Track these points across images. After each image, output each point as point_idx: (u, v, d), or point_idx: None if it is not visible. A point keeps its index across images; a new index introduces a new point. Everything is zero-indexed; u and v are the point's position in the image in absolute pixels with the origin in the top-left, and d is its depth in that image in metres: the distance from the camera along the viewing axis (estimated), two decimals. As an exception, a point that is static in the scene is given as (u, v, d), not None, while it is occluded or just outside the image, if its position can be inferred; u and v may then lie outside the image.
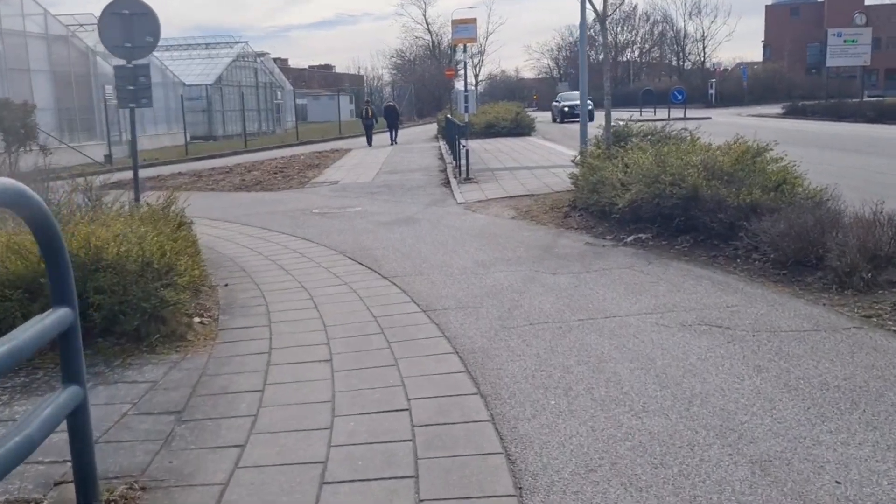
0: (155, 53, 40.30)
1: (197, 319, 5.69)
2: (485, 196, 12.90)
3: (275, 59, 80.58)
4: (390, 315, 5.76)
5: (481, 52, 74.47)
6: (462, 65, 20.34)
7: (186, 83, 42.81)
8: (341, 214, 12.00)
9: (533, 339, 4.96)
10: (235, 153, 29.10)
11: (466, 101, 14.87)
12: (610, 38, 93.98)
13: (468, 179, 15.07)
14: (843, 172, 12.84)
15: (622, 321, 5.29)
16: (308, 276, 7.45)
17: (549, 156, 19.46)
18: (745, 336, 4.84)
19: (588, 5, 10.87)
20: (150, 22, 8.84)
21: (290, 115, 58.23)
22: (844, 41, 43.53)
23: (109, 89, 32.34)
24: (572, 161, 11.97)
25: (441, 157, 21.73)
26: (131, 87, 9.32)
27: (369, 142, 30.25)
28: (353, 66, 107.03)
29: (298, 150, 28.65)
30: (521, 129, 29.43)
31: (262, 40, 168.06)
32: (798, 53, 71.09)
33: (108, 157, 27.66)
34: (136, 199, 9.40)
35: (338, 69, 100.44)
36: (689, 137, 10.24)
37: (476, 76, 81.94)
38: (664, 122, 11.45)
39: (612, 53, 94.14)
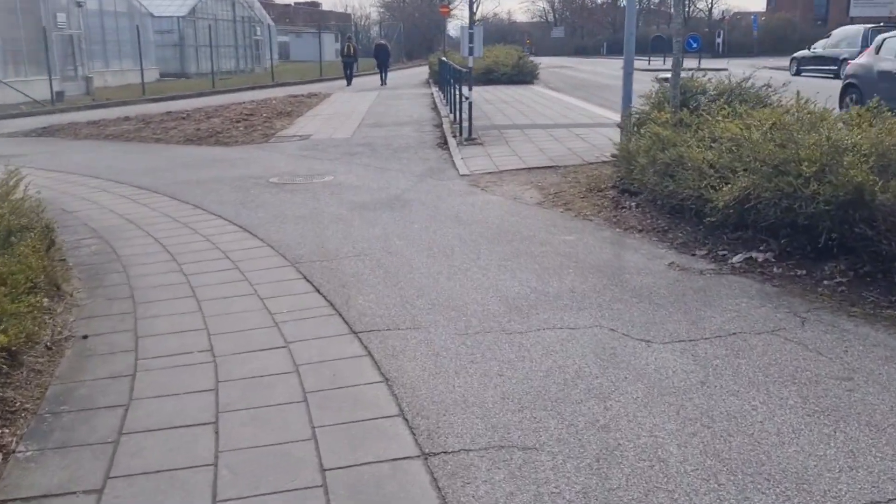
0: (120, -20, 36.63)
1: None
2: (495, 166, 9.89)
3: (259, -6, 75.88)
4: (357, 466, 2.84)
5: None
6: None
7: (155, 14, 38.95)
8: (306, 187, 8.98)
9: None
10: (201, 94, 25.72)
11: (472, 41, 11.74)
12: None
13: (471, 140, 12.02)
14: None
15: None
16: (229, 321, 4.49)
17: (564, 111, 16.36)
18: None
19: None
20: None
21: (272, 53, 54.47)
22: (870, -10, 40.24)
23: (62, 17, 28.76)
24: (618, 125, 8.96)
25: (434, 108, 18.59)
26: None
27: (349, 82, 29.48)
28: (340, 4, 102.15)
29: (272, 93, 25.29)
30: (523, 76, 26.17)
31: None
32: (805, 4, 67.35)
33: (59, 95, 24.28)
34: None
35: (324, 7, 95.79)
36: (793, 100, 7.23)
37: (473, 15, 77.76)
38: (745, 76, 8.48)
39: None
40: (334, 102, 21.14)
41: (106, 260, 5.98)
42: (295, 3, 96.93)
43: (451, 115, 15.19)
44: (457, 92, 16.11)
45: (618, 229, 6.52)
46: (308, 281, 5.25)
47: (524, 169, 9.62)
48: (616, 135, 12.00)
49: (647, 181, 6.91)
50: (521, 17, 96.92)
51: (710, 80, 8.77)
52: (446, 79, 20.70)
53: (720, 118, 6.68)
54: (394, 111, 18.31)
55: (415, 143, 12.65)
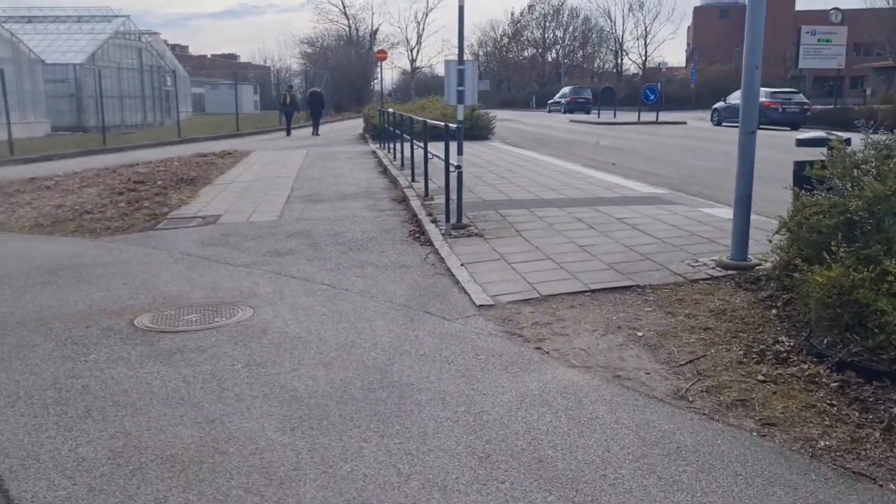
0: (4, 25, 31.64)
1: None
2: (528, 284, 5.88)
3: (173, 46, 71.47)
4: None
5: (419, 34, 70.82)
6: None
7: (48, 62, 33.97)
8: (199, 343, 4.75)
9: None
10: (88, 153, 21.04)
11: (462, 83, 7.83)
12: (538, 33, 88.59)
13: (461, 227, 8.03)
14: None
15: None
16: None
17: (560, 177, 12.57)
18: None
19: None
20: None
21: (185, 105, 49.92)
22: (818, 40, 38.67)
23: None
24: (784, 226, 5.04)
25: (384, 171, 14.56)
26: None
27: (288, 132, 28.70)
28: (259, 56, 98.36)
29: (177, 151, 20.84)
30: (478, 130, 22.66)
31: (162, 27, 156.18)
32: (725, 57, 66.78)
33: None
34: None
35: (243, 59, 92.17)
36: None
37: (413, 62, 75.24)
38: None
39: (541, 50, 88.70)
40: (254, 164, 16.87)
41: None
42: (212, 55, 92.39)
43: (414, 185, 11.22)
44: (407, 149, 12.19)
45: None
46: None
47: (584, 292, 5.62)
48: (673, 218, 8.16)
49: None
50: (442, 69, 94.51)
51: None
52: (393, 134, 16.82)
53: None
54: (332, 176, 14.20)
55: (375, 231, 8.55)
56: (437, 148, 9.72)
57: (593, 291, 5.63)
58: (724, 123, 31.82)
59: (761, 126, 33.98)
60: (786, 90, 32.03)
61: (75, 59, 36.15)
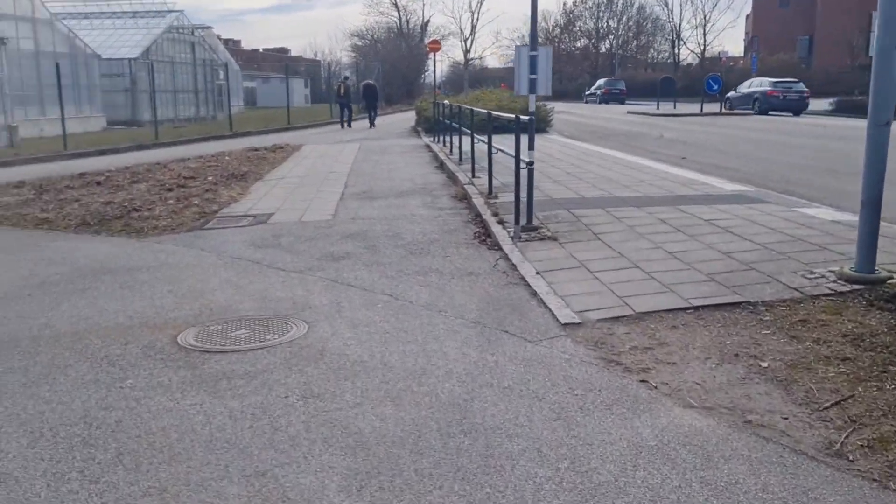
0: (62, 21, 31.88)
1: None
2: (617, 297, 5.15)
3: (226, 40, 72.04)
4: None
5: (473, 25, 70.76)
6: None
7: (103, 56, 34.13)
8: (249, 368, 4.16)
9: None
10: (140, 147, 20.87)
11: (534, 71, 7.15)
12: (591, 24, 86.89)
13: (532, 229, 7.33)
14: None
15: None
16: None
17: (631, 173, 11.73)
18: None
19: None
20: None
21: (238, 99, 50.12)
22: (891, 26, 36.67)
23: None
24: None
25: (441, 166, 13.91)
26: None
27: (344, 124, 28.79)
28: (309, 50, 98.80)
29: (229, 145, 20.54)
30: (537, 123, 21.75)
31: (215, 22, 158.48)
32: (787, 46, 64.34)
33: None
34: None
35: (294, 52, 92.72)
36: None
37: (466, 52, 74.67)
38: None
39: (594, 41, 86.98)
40: (305, 158, 16.38)
41: None
42: (263, 50, 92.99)
43: (475, 181, 10.56)
44: (465, 143, 11.51)
45: None
46: None
47: (685, 309, 4.86)
48: (769, 220, 7.25)
49: None
50: (491, 62, 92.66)
51: None
52: (447, 127, 16.19)
53: None
54: (386, 171, 13.60)
55: (437, 232, 7.89)
56: (498, 142, 9.06)
57: (696, 308, 4.87)
58: (736, 110, 34.07)
59: (770, 111, 33.31)
60: (787, 80, 34.15)
61: (130, 53, 36.34)
